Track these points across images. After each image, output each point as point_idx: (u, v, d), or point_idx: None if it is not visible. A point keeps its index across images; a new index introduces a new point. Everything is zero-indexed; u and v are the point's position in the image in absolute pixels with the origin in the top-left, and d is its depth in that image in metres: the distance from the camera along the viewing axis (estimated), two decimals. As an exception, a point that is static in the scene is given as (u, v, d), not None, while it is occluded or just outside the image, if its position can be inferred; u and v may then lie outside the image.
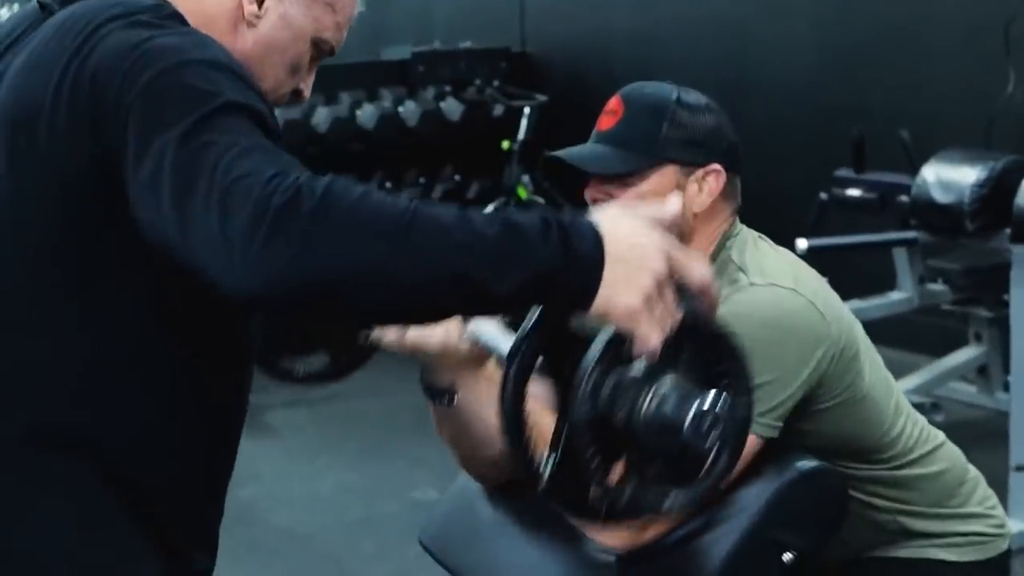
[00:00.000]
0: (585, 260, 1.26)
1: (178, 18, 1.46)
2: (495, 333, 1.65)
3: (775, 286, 1.87)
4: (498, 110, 6.60)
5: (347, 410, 5.02)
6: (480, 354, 1.76)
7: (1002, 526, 2.08)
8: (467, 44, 6.90)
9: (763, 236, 2.02)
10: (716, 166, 1.93)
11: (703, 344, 1.35)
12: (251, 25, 1.53)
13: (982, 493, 2.09)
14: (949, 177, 3.79)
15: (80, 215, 1.39)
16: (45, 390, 1.41)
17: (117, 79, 1.35)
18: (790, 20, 5.78)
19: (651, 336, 1.27)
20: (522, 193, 6.32)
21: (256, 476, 4.48)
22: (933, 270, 4.43)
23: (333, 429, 5.03)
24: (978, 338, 4.57)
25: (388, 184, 6.46)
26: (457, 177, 6.68)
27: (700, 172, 1.93)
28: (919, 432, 2.03)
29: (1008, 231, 3.70)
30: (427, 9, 7.81)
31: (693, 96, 1.97)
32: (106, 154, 1.34)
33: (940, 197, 3.78)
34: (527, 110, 6.30)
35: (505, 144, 6.32)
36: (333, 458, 4.72)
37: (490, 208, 6.28)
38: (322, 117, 6.24)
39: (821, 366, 1.87)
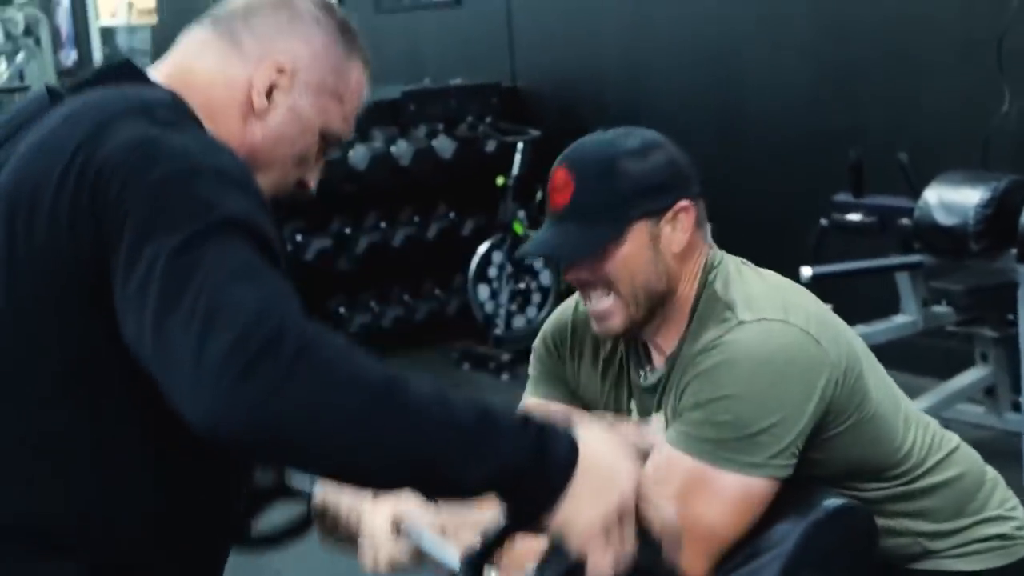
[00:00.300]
0: (556, 465, 1.25)
1: (192, 116, 1.43)
2: (435, 539, 1.70)
3: (764, 320, 1.82)
4: (491, 146, 6.58)
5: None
6: (415, 552, 1.78)
7: (1023, 528, 2.03)
8: (457, 81, 6.90)
9: (745, 261, 1.98)
10: (683, 203, 1.89)
11: None
12: (259, 118, 1.51)
13: (1001, 495, 2.04)
14: (952, 199, 3.77)
15: (73, 308, 1.34)
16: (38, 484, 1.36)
17: (121, 173, 1.31)
18: (782, 44, 5.77)
19: (602, 565, 1.26)
20: (518, 229, 6.29)
21: None
22: (936, 292, 4.39)
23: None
24: (984, 358, 4.53)
25: (383, 224, 6.44)
26: (452, 215, 6.66)
27: (669, 214, 1.89)
28: (931, 439, 1.99)
29: (1013, 251, 3.68)
30: (416, 47, 7.81)
31: (633, 139, 1.91)
32: (103, 249, 1.30)
33: (943, 219, 3.76)
34: (520, 145, 6.28)
35: (499, 180, 6.29)
36: None
37: (485, 246, 6.26)
38: (314, 160, 6.19)
39: (826, 395, 1.82)
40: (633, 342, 1.99)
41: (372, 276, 6.35)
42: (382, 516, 1.79)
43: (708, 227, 1.95)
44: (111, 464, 1.37)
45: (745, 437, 1.75)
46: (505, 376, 5.96)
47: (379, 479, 1.25)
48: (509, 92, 7.03)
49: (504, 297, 6.29)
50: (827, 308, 1.94)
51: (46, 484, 1.35)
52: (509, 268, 6.32)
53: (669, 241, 1.88)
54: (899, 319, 4.46)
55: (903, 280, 4.40)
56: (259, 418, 1.17)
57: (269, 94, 1.51)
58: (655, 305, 1.90)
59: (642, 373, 1.98)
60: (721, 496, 1.76)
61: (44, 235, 1.33)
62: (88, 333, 1.34)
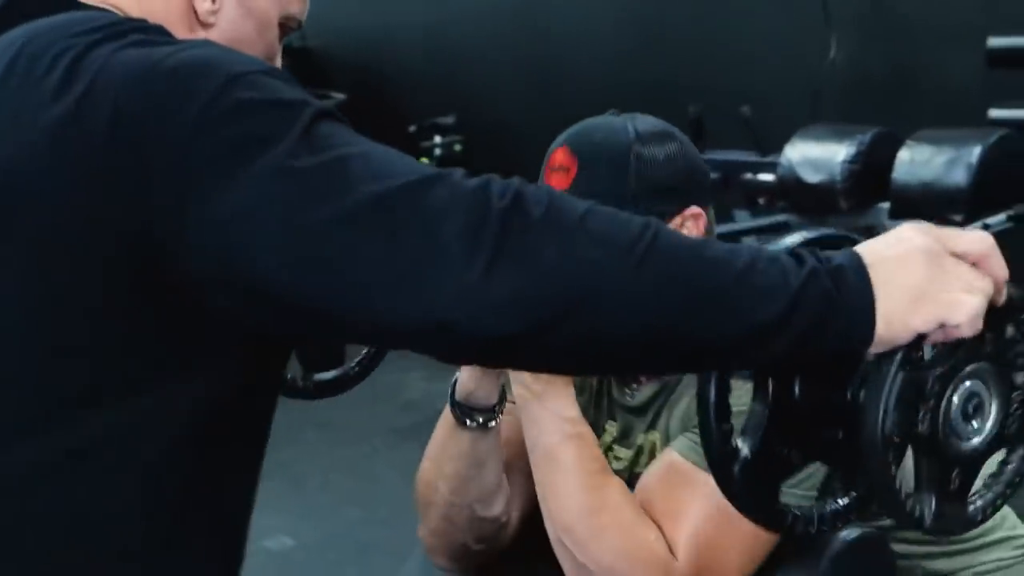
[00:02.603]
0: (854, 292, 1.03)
1: (162, 31, 1.15)
2: None
3: None
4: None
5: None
6: None
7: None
8: (245, 43, 6.54)
9: None
10: (695, 209, 1.67)
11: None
12: (208, 25, 1.24)
13: (1001, 513, 1.92)
14: (816, 155, 3.67)
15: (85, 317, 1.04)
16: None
17: (153, 112, 1.00)
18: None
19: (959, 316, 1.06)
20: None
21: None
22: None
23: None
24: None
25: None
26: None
27: (678, 219, 1.66)
28: None
29: (882, 206, 3.61)
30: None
31: (651, 127, 1.67)
32: (145, 221, 1.00)
33: (809, 177, 3.66)
34: (324, 110, 5.98)
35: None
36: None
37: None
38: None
39: None
40: None
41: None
42: None
43: (713, 237, 1.74)
44: None
45: None
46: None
47: (672, 342, 1.03)
48: (301, 53, 6.71)
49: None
50: None
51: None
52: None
53: None
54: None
55: (747, 240, 4.30)
56: (538, 301, 0.96)
57: None
58: None
59: (627, 392, 1.76)
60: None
61: (30, 226, 1.02)
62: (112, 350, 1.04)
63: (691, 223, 1.66)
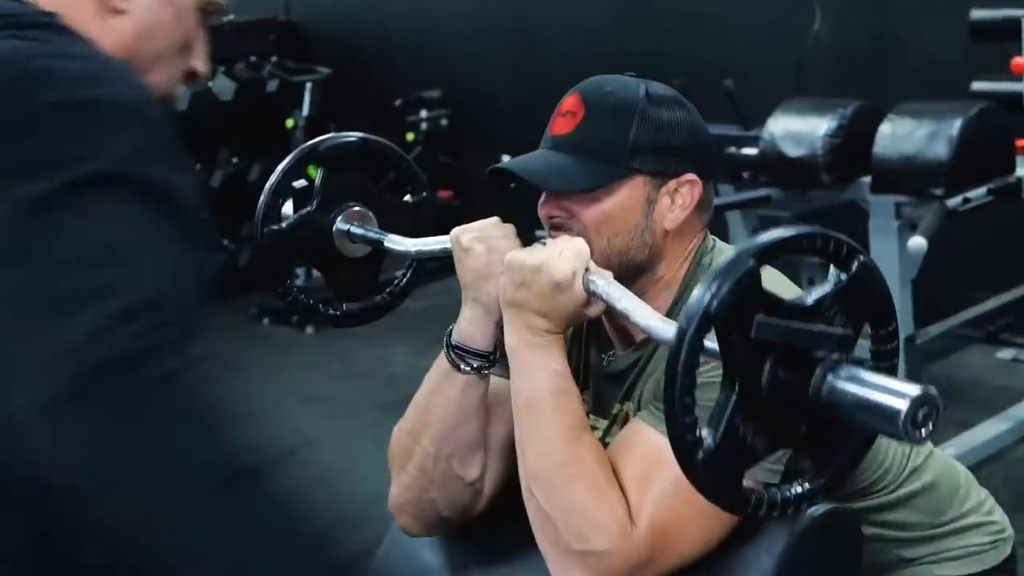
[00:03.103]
0: None
1: (51, 24, 1.13)
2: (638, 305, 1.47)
3: None
4: (272, 86, 6.21)
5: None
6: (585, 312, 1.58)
7: (1002, 531, 1.91)
8: (230, 17, 6.46)
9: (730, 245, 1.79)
10: (691, 176, 1.66)
11: None
12: (120, 12, 1.21)
13: (976, 498, 1.91)
14: (798, 129, 3.64)
15: None
16: None
17: None
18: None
19: None
20: (312, 172, 5.95)
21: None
22: (765, 220, 4.30)
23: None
24: (812, 283, 4.47)
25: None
26: (235, 160, 6.29)
27: (673, 183, 1.66)
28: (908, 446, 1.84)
29: (864, 180, 3.59)
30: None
31: (662, 91, 1.69)
32: None
33: (791, 151, 3.63)
34: (309, 85, 5.92)
35: (289, 122, 5.94)
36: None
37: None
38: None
39: None
40: (595, 322, 1.75)
41: (154, 232, 5.92)
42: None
43: (710, 215, 1.73)
44: None
45: None
46: (309, 329, 5.65)
47: None
48: (286, 27, 6.66)
49: (303, 245, 5.96)
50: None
51: None
52: (305, 214, 6.00)
53: (663, 214, 1.65)
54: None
55: (732, 212, 4.29)
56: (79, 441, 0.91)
57: None
58: (625, 277, 1.66)
59: (604, 358, 1.76)
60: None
61: None
62: None
63: (687, 189, 1.67)
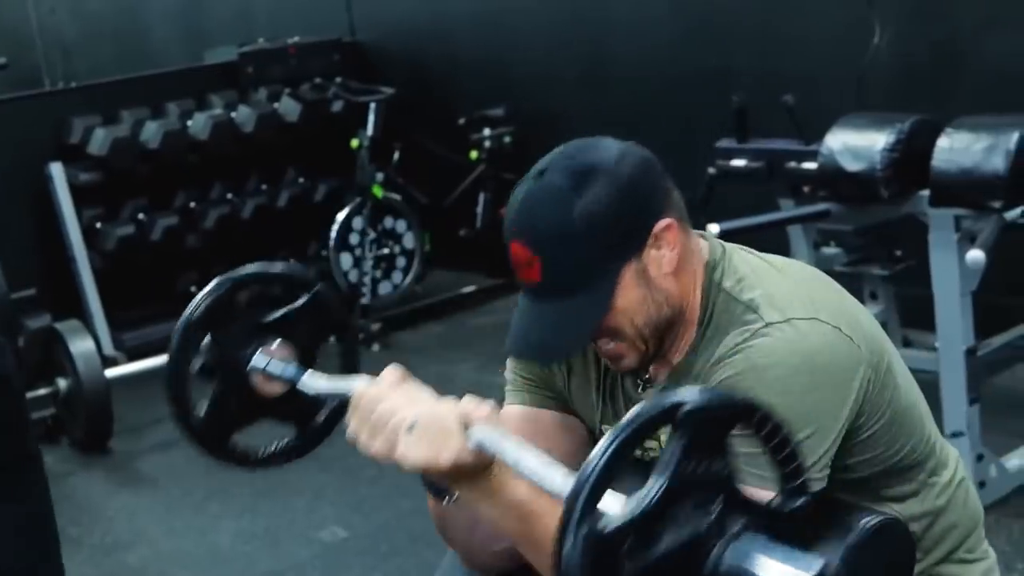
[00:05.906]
0: None
1: None
2: (531, 453, 1.38)
3: (794, 320, 1.67)
4: (337, 107, 6.29)
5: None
6: (484, 462, 1.47)
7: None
8: (295, 39, 6.57)
9: (743, 248, 1.81)
10: (660, 223, 1.69)
11: None
12: None
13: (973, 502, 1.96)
14: (856, 144, 3.65)
15: None
16: None
17: None
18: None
19: None
20: (377, 192, 6.05)
21: (142, 536, 4.14)
22: (826, 234, 4.31)
23: (217, 470, 4.68)
24: (874, 297, 4.50)
25: (230, 196, 6.15)
26: (302, 180, 6.39)
27: (650, 240, 1.69)
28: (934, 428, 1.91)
29: (923, 194, 3.59)
30: (246, 6, 7.45)
31: (574, 165, 1.67)
32: None
33: (849, 165, 3.64)
34: (373, 105, 6.00)
35: (354, 142, 6.01)
36: (224, 504, 4.37)
37: (344, 212, 6.02)
38: (151, 132, 5.86)
39: (860, 395, 1.71)
40: None
41: (223, 251, 6.01)
42: (447, 408, 1.48)
43: (688, 221, 1.76)
44: None
45: None
46: (376, 347, 5.72)
47: None
48: (351, 47, 6.74)
49: (368, 264, 6.04)
50: (841, 289, 1.81)
51: None
52: (371, 234, 6.07)
53: (660, 264, 1.69)
54: (790, 263, 4.37)
55: (794, 226, 4.30)
56: None
57: None
58: (664, 332, 1.73)
59: (640, 384, 1.80)
60: None
61: None
62: None
63: (664, 235, 1.69)
